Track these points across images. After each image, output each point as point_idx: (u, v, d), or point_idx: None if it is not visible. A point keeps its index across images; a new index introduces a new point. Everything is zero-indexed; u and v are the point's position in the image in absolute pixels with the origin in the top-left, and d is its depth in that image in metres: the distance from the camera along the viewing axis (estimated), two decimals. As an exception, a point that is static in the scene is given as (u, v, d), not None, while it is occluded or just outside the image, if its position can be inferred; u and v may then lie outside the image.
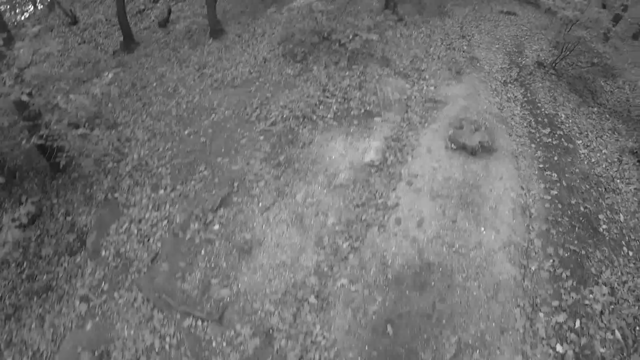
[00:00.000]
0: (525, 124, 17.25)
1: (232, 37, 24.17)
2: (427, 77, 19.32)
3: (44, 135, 13.31)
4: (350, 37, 18.83)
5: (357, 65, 19.05)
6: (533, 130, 16.96)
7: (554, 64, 21.04)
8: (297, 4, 18.81)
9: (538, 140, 16.52)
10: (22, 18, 33.35)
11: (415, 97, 17.95)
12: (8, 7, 28.70)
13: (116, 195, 15.33)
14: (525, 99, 18.82)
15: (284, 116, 16.93)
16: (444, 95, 18.08)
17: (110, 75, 14.21)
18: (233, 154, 15.88)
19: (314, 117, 16.73)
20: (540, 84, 19.93)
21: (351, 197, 13.98)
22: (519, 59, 21.96)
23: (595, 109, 19.26)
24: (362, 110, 16.91)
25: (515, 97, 18.82)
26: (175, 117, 18.45)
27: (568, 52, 20.45)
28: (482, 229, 12.86)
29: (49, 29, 30.47)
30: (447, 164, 14.82)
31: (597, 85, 20.79)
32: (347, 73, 18.66)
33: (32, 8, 35.18)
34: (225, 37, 24.24)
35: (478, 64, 20.74)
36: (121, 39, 25.73)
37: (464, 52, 21.72)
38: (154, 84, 21.29)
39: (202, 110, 18.50)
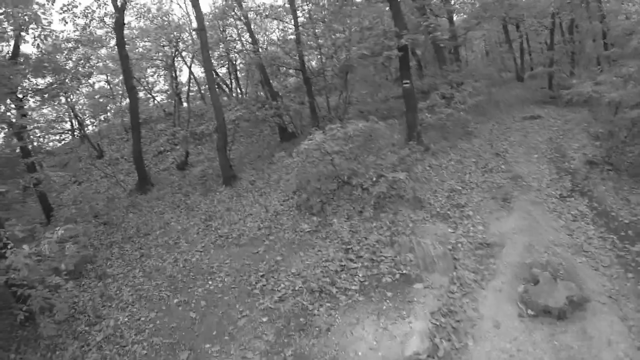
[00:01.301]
0: (608, 246, 11.60)
1: (245, 184, 19.65)
2: (470, 213, 13.70)
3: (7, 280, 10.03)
4: (374, 179, 13.76)
5: (386, 213, 13.62)
6: (621, 252, 11.28)
7: (607, 159, 15.56)
8: (306, 146, 14.00)
9: (633, 264, 10.83)
10: (57, 145, 32.50)
11: (462, 245, 12.14)
12: (42, 133, 26.34)
13: (77, 371, 10.26)
14: (594, 211, 13.18)
15: (296, 289, 11.36)
16: (497, 234, 12.42)
17: (60, 232, 10.23)
18: (227, 340, 10.41)
19: (334, 291, 10.99)
20: (603, 187, 14.32)
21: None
22: (565, 163, 16.42)
23: (676, 193, 13.51)
24: (397, 275, 11.11)
25: (582, 212, 13.20)
26: (169, 279, 13.55)
27: (623, 139, 15.31)
28: None
29: (79, 159, 29.86)
30: (527, 344, 8.95)
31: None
32: (373, 224, 13.20)
33: (69, 137, 34.32)
34: (238, 184, 19.82)
35: (524, 183, 15.23)
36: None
37: (503, 172, 16.29)
38: (157, 232, 17.20)
39: (199, 274, 13.39)
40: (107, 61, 29.99)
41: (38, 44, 17.81)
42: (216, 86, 30.31)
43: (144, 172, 22.83)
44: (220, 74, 33.28)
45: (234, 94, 34.22)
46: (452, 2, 29.82)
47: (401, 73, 18.93)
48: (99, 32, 24.88)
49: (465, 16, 32.10)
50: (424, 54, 31.82)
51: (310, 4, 26.82)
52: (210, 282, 12.74)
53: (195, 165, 24.49)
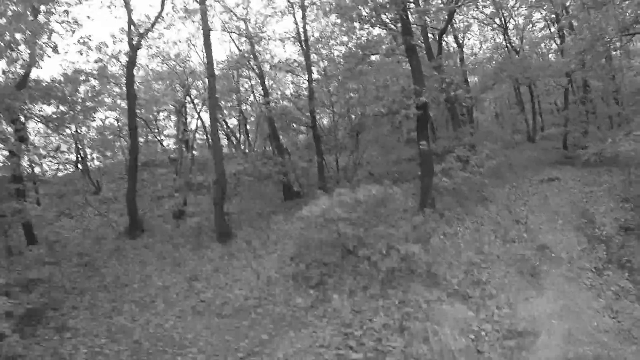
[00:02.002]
0: None
1: (240, 243, 17.19)
2: (493, 292, 11.13)
3: None
4: (384, 251, 11.38)
5: (395, 289, 11.16)
6: None
7: None
8: (308, 212, 11.93)
9: None
10: (55, 175, 28.98)
11: (487, 334, 9.50)
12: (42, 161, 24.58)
13: None
14: (638, 286, 10.93)
15: (281, 382, 8.74)
16: (529, 319, 9.86)
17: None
18: None
19: (328, 391, 8.37)
20: None
21: None
22: (595, 230, 13.99)
23: None
24: (408, 376, 8.51)
25: (623, 288, 10.90)
26: (134, 345, 10.91)
27: None
28: None
29: (77, 192, 26.44)
30: None
31: None
32: (380, 303, 10.72)
33: (73, 169, 31.09)
34: (232, 243, 17.41)
35: (552, 255, 12.73)
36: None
37: (526, 241, 13.82)
38: (136, 285, 14.73)
39: (169, 345, 10.79)
40: (118, 99, 27.71)
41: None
42: (225, 137, 28.80)
43: (135, 215, 20.73)
44: (231, 125, 31.76)
45: (242, 146, 32.52)
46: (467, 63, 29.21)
47: (418, 133, 17.08)
48: (113, 69, 23.75)
49: (476, 78, 31.14)
50: (436, 115, 30.34)
51: (325, 61, 25.66)
52: (179, 358, 10.19)
53: (193, 216, 22.14)
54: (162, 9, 20.89)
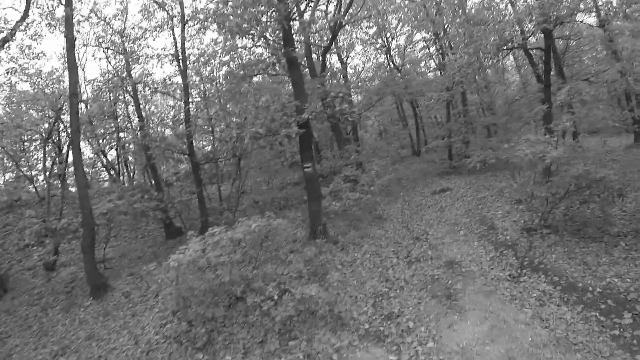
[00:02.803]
0: (596, 328, 8.34)
1: (117, 297, 14.17)
2: (410, 325, 9.47)
3: None
4: (276, 296, 9.38)
5: (297, 340, 9.07)
6: (614, 331, 8.15)
7: (543, 223, 12.78)
8: (175, 263, 9.34)
9: (634, 342, 7.74)
10: None
11: (417, 382, 7.61)
12: None
13: None
14: (558, 287, 9.90)
15: None
16: (459, 350, 8.28)
17: None
18: None
19: None
20: (554, 256, 11.20)
21: None
22: (499, 236, 13.16)
23: (623, 244, 10.95)
24: None
25: (544, 291, 9.81)
26: None
27: (558, 201, 12.67)
28: None
29: None
30: None
31: (607, 216, 12.38)
32: (283, 361, 8.59)
33: None
34: (109, 296, 14.35)
35: (462, 270, 11.51)
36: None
37: (432, 259, 12.51)
38: None
39: None
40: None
41: None
42: (104, 170, 25.28)
43: (-6, 272, 16.66)
44: (111, 157, 27.83)
45: (121, 179, 28.48)
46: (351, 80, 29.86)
47: (302, 155, 15.47)
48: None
49: (359, 97, 31.24)
50: (320, 136, 29.34)
51: (206, 84, 23.27)
52: None
53: (69, 265, 18.63)
54: (26, 14, 16.96)
